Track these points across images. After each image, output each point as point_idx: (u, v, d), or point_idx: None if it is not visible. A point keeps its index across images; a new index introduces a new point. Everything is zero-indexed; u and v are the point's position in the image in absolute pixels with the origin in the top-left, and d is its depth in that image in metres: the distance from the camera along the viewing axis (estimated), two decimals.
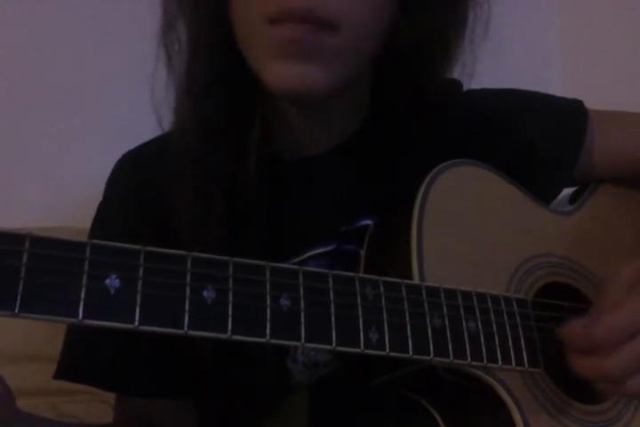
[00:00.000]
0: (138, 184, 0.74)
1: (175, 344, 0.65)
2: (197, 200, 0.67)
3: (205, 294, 0.50)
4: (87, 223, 0.77)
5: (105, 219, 0.76)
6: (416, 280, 0.61)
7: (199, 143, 0.67)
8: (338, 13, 0.59)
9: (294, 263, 0.69)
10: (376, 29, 0.63)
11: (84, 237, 0.73)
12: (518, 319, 0.65)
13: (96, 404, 0.97)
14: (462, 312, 0.62)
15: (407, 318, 0.58)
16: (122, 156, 0.78)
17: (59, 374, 0.71)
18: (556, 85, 1.40)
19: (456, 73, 0.70)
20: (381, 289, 0.58)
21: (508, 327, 0.64)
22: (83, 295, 0.45)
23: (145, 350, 0.68)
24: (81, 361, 0.71)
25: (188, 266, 0.50)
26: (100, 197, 0.77)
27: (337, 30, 0.59)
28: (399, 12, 0.64)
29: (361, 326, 0.55)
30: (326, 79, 0.61)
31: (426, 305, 0.60)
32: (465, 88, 0.75)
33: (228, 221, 0.66)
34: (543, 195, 0.76)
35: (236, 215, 0.67)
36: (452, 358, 0.59)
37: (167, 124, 0.70)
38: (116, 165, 0.77)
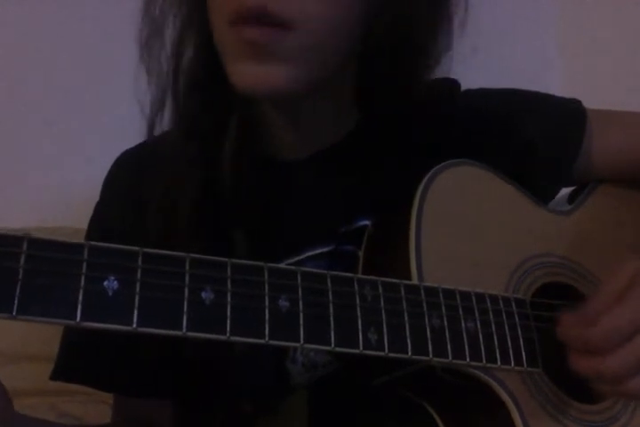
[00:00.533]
0: (135, 183, 0.74)
1: (173, 345, 0.65)
2: (176, 200, 0.67)
3: (204, 295, 0.50)
4: (87, 224, 0.77)
5: (102, 219, 0.76)
6: (415, 280, 0.61)
7: (180, 142, 0.68)
8: (292, 11, 0.58)
9: (292, 263, 0.69)
10: (343, 26, 0.62)
11: (83, 238, 0.74)
12: (517, 319, 0.65)
13: (95, 404, 0.97)
14: (461, 312, 0.61)
15: (406, 319, 0.58)
16: (119, 155, 0.78)
17: (55, 375, 0.71)
18: (556, 86, 1.39)
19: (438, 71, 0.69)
20: (380, 290, 0.58)
21: (506, 327, 0.64)
22: (81, 297, 0.45)
23: (142, 351, 0.68)
24: (77, 362, 0.71)
25: (187, 267, 0.50)
26: None
27: (293, 28, 0.59)
28: (370, 9, 0.63)
29: (360, 327, 0.55)
30: (290, 77, 0.61)
31: (424, 305, 0.60)
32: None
33: (205, 221, 0.67)
34: (543, 195, 0.76)
35: (221, 215, 0.67)
36: (450, 358, 0.59)
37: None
38: (113, 165, 0.77)
